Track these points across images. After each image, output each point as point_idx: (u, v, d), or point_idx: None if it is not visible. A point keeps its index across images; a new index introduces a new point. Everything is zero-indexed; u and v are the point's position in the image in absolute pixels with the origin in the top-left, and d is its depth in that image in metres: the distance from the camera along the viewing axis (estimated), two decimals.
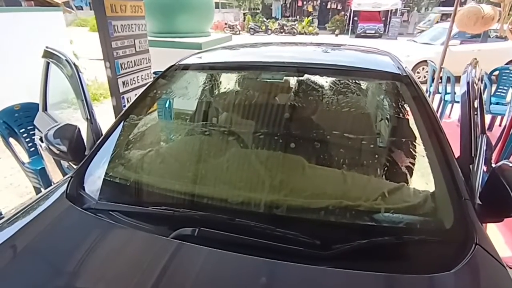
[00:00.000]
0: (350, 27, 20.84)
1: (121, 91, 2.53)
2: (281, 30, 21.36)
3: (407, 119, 1.24)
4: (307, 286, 0.77)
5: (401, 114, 1.26)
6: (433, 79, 4.87)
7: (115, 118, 1.91)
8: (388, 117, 1.43)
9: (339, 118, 1.38)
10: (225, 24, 21.76)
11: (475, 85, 1.24)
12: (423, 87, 1.34)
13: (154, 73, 2.95)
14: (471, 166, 1.01)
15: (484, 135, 1.24)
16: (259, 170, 1.13)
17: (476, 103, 1.17)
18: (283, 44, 2.22)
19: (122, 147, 1.30)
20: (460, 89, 1.26)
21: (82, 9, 23.33)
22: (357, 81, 1.45)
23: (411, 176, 1.09)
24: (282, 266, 0.79)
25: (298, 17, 24.22)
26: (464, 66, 1.41)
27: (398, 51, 6.59)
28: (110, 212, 0.99)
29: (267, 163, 1.16)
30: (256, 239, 0.84)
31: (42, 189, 2.59)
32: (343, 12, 23.19)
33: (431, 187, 1.00)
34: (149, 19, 3.55)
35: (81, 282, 0.81)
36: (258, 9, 25.62)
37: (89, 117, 1.44)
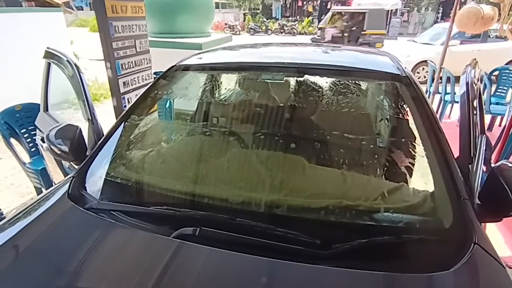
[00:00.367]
0: None
1: (121, 91, 2.54)
2: (281, 30, 21.35)
3: (407, 120, 1.25)
4: (307, 285, 0.78)
5: (400, 115, 1.27)
6: (433, 79, 4.88)
7: (116, 118, 1.92)
8: (388, 117, 1.44)
9: (339, 119, 1.38)
10: (225, 24, 21.76)
11: (474, 85, 1.24)
12: (423, 87, 1.35)
13: (155, 73, 2.95)
14: (470, 166, 1.02)
15: (484, 135, 1.25)
16: (260, 170, 1.14)
17: (476, 103, 1.18)
18: (283, 44, 2.23)
19: (124, 147, 1.30)
20: (460, 89, 1.27)
21: (82, 10, 23.34)
22: (356, 82, 1.45)
23: (410, 176, 1.10)
24: (282, 266, 0.80)
25: (298, 17, 24.25)
26: (464, 66, 1.42)
27: (398, 51, 6.61)
28: (112, 212, 1.00)
29: (268, 163, 1.16)
30: (256, 239, 0.85)
31: (43, 189, 2.60)
32: None
33: (430, 187, 1.01)
34: (149, 19, 3.56)
35: (84, 281, 0.82)
36: (258, 9, 25.65)
37: (90, 118, 1.45)
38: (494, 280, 0.80)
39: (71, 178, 1.15)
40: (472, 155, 1.03)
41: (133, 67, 2.64)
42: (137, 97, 1.52)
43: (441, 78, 4.73)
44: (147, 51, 2.82)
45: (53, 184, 2.20)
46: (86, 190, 1.12)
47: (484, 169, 1.14)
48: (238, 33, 20.76)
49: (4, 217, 2.18)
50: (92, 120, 1.44)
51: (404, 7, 21.33)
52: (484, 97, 4.27)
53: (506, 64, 6.90)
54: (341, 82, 1.44)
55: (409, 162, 1.11)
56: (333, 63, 1.53)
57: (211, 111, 1.78)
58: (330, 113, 1.42)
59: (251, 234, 0.86)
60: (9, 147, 2.62)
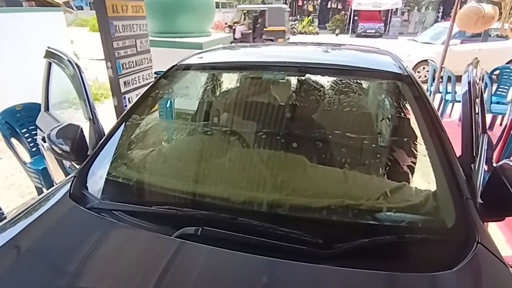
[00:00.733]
0: (350, 27, 20.80)
1: (122, 91, 2.54)
2: None
3: (409, 119, 1.25)
4: (309, 284, 0.77)
5: (402, 114, 1.27)
6: (433, 79, 4.87)
7: (117, 118, 1.91)
8: (390, 116, 1.43)
9: (340, 118, 1.38)
10: (225, 24, 21.73)
11: (476, 84, 1.24)
12: (424, 87, 1.34)
13: (155, 73, 2.95)
14: (472, 165, 1.02)
15: (485, 134, 1.24)
16: (261, 170, 1.13)
17: (477, 103, 1.18)
18: (284, 43, 2.22)
19: (125, 147, 1.30)
20: (462, 88, 1.26)
21: (82, 9, 23.33)
22: (358, 81, 1.45)
23: (412, 175, 1.09)
24: (284, 265, 0.80)
25: (298, 16, 24.20)
26: (465, 65, 1.41)
27: (398, 51, 6.60)
28: (114, 211, 1.00)
29: (269, 162, 1.16)
30: (259, 238, 0.84)
31: (44, 189, 2.60)
32: (343, 12, 23.15)
33: (432, 186, 1.01)
34: (150, 19, 3.56)
35: (86, 281, 0.82)
36: None
37: (91, 117, 1.45)
38: (498, 280, 0.79)
39: (73, 177, 1.15)
40: (474, 154, 1.03)
41: (133, 67, 2.64)
42: (138, 96, 1.52)
43: (441, 77, 4.72)
44: (148, 51, 2.82)
45: (54, 184, 2.20)
46: (87, 189, 1.12)
47: (486, 169, 1.14)
48: None
49: (5, 217, 2.18)
50: (93, 119, 1.43)
51: (405, 6, 21.30)
52: (485, 96, 4.26)
53: (507, 63, 6.89)
54: (343, 81, 1.44)
55: (411, 162, 1.11)
56: (334, 62, 1.53)
57: (212, 111, 1.78)
58: (332, 112, 1.42)
59: (253, 233, 0.86)
60: (10, 147, 2.62)
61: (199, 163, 1.24)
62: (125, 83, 2.56)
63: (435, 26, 9.54)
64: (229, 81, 1.81)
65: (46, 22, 5.14)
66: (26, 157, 2.73)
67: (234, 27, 12.70)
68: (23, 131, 2.69)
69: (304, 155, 1.18)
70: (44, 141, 1.78)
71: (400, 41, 13.80)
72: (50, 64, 2.35)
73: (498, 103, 4.41)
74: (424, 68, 7.50)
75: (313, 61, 1.55)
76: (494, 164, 1.02)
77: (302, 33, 21.10)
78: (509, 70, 4.67)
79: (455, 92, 4.51)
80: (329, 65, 1.47)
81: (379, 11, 19.76)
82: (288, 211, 0.97)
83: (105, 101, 5.73)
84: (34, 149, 2.72)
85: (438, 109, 4.80)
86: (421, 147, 1.10)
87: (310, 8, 24.58)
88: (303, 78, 1.50)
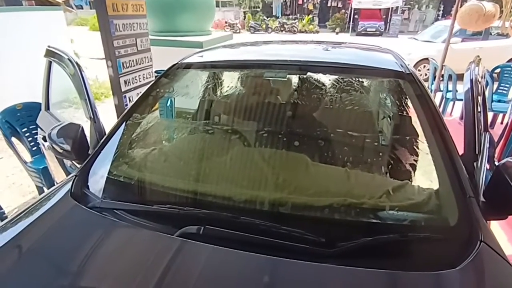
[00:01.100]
0: (350, 25, 20.78)
1: (123, 90, 2.54)
2: (282, 29, 21.32)
3: (411, 117, 1.24)
4: (312, 283, 0.77)
5: (404, 112, 1.26)
6: (434, 77, 4.87)
7: (117, 117, 1.91)
8: (392, 115, 1.43)
9: (342, 116, 1.38)
10: (226, 22, 21.73)
11: (478, 82, 1.23)
12: (426, 85, 1.34)
13: (156, 72, 2.95)
14: (475, 163, 1.01)
15: (487, 132, 1.24)
16: (263, 168, 1.13)
17: (479, 101, 1.17)
18: (285, 42, 2.22)
19: (126, 146, 1.30)
20: (464, 86, 1.26)
21: (82, 8, 23.29)
22: (360, 79, 1.44)
23: (415, 173, 1.09)
24: (287, 264, 0.79)
25: (298, 15, 24.16)
26: (466, 63, 1.41)
27: (399, 49, 6.58)
28: (115, 210, 1.00)
29: (271, 161, 1.16)
30: (261, 237, 0.84)
31: (45, 189, 2.60)
32: (343, 10, 23.11)
33: (435, 185, 1.00)
34: (150, 18, 3.55)
35: (88, 280, 0.82)
36: (259, 7, 25.55)
37: (92, 116, 1.44)
38: (501, 278, 0.79)
39: (74, 177, 1.15)
40: (476, 152, 1.02)
41: (134, 66, 2.64)
42: (139, 95, 1.51)
43: (442, 76, 4.72)
44: (148, 50, 2.81)
45: (55, 183, 2.20)
46: (88, 188, 1.12)
47: (488, 167, 1.13)
48: (238, 31, 20.74)
49: (6, 217, 2.18)
50: (94, 118, 1.43)
51: (405, 4, 21.26)
52: (486, 94, 4.26)
53: (508, 61, 6.88)
54: (344, 80, 1.43)
55: (414, 160, 1.10)
56: (335, 60, 1.52)
57: (213, 109, 1.78)
58: (333, 110, 1.42)
59: (255, 232, 0.85)
60: (10, 146, 2.62)
61: (200, 162, 1.24)
62: (125, 82, 2.55)
63: (435, 24, 9.51)
64: (230, 79, 1.80)
65: (46, 21, 5.13)
66: (27, 157, 2.73)
67: None
68: (23, 130, 2.69)
69: (306, 154, 1.17)
70: (45, 140, 1.78)
71: (401, 39, 13.78)
72: (50, 63, 2.35)
73: (499, 101, 4.40)
74: (424, 66, 7.49)
75: (315, 59, 1.54)
76: (496, 163, 1.02)
77: (302, 32, 21.07)
78: (510, 69, 4.65)
79: (456, 91, 4.50)
80: (330, 63, 1.47)
81: (380, 9, 19.75)
82: (290, 209, 0.97)
83: (106, 100, 5.73)
84: (35, 148, 2.72)
85: (439, 108, 4.79)
86: (423, 145, 1.10)
87: (310, 7, 24.54)
88: (304, 76, 1.50)
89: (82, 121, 1.47)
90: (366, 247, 0.83)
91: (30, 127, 2.70)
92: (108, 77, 2.51)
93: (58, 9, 5.62)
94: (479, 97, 1.17)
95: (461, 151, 1.07)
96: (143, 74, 2.78)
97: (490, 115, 4.35)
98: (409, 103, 1.24)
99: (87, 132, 1.37)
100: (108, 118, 2.48)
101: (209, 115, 1.80)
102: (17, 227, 0.97)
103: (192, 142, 1.40)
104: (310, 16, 22.96)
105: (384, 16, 20.53)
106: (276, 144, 1.25)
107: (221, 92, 1.82)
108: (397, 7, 20.13)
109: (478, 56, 1.53)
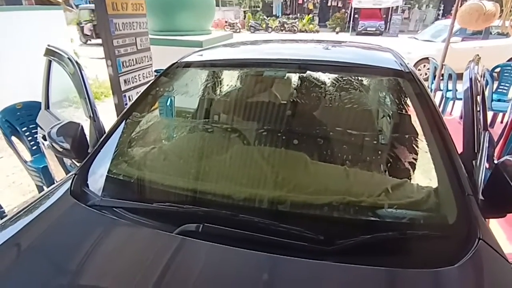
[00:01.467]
0: (350, 25, 20.77)
1: (122, 89, 2.54)
2: (282, 28, 21.32)
3: (410, 116, 1.24)
4: (310, 281, 0.77)
5: (404, 110, 1.26)
6: (434, 76, 4.86)
7: (117, 116, 1.91)
8: (391, 113, 1.43)
9: (341, 115, 1.38)
10: (226, 22, 21.72)
11: (477, 81, 1.23)
12: (425, 84, 1.34)
13: (156, 71, 2.95)
14: (474, 162, 1.02)
15: (487, 131, 1.24)
16: (262, 167, 1.13)
17: (479, 99, 1.17)
18: (285, 41, 2.22)
19: (125, 144, 1.30)
20: (463, 85, 1.26)
21: None
22: (359, 78, 1.44)
23: (414, 172, 1.09)
24: (286, 261, 0.80)
25: (298, 14, 24.15)
26: (466, 63, 1.41)
27: (399, 49, 6.58)
28: (114, 208, 1.00)
29: (270, 159, 1.16)
30: (260, 235, 0.84)
31: (45, 187, 2.60)
32: (343, 10, 23.10)
33: (434, 183, 1.01)
34: (150, 17, 3.55)
35: (87, 277, 0.82)
36: (259, 7, 25.54)
37: (92, 115, 1.45)
38: (499, 276, 0.79)
39: (73, 175, 1.15)
40: (475, 150, 1.03)
41: (134, 65, 2.64)
42: (139, 94, 1.52)
43: (442, 75, 4.72)
44: (148, 49, 2.81)
45: (55, 182, 2.20)
46: (88, 187, 1.12)
47: (487, 166, 1.14)
48: (238, 31, 20.74)
49: (6, 215, 2.18)
50: (94, 117, 1.43)
51: (405, 4, 21.25)
52: (486, 94, 4.26)
53: (508, 60, 6.87)
54: (344, 78, 1.43)
55: (413, 158, 1.10)
56: (335, 59, 1.52)
57: (213, 108, 1.78)
58: (333, 109, 1.42)
59: (254, 230, 0.86)
60: (11, 146, 2.63)
61: (199, 160, 1.24)
62: (125, 81, 2.56)
63: (435, 23, 9.51)
64: (229, 78, 1.80)
65: (46, 21, 5.13)
66: (27, 156, 2.73)
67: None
68: (23, 129, 2.69)
69: (305, 152, 1.18)
70: (45, 139, 1.78)
71: (401, 39, 13.78)
72: (50, 62, 2.35)
73: (499, 100, 4.40)
74: (424, 66, 7.48)
75: (314, 58, 1.54)
76: (496, 161, 1.02)
77: (302, 31, 21.06)
78: (510, 68, 4.65)
79: (456, 90, 4.49)
80: (330, 62, 1.47)
81: (380, 9, 19.74)
82: (289, 207, 0.97)
83: (106, 99, 5.73)
84: (35, 147, 2.72)
85: (439, 107, 4.80)
86: (422, 144, 1.10)
87: (310, 6, 24.52)
88: (304, 75, 1.50)
89: (82, 120, 1.47)
90: (365, 244, 0.83)
91: (30, 126, 2.70)
92: (108, 76, 2.51)
93: (58, 8, 5.62)
94: (478, 96, 1.17)
95: (460, 150, 1.07)
96: (143, 73, 2.78)
97: (490, 114, 4.35)
98: (408, 101, 1.24)
99: (87, 131, 1.37)
100: (109, 117, 2.48)
101: (208, 114, 1.80)
102: (16, 225, 0.97)
103: (191, 140, 1.40)
104: (310, 15, 22.94)
105: (384, 16, 20.52)
106: (276, 142, 1.25)
107: (220, 90, 1.82)
108: (397, 7, 20.12)
109: (478, 55, 1.53)
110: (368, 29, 19.31)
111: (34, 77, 3.02)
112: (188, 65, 1.57)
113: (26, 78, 4.26)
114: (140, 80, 2.73)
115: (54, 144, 1.27)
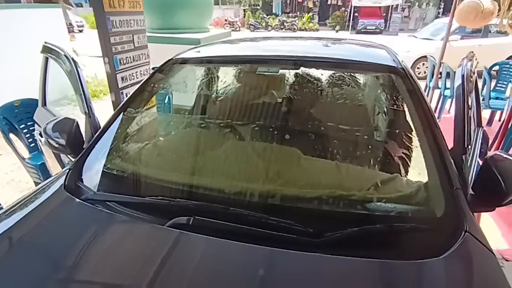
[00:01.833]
0: (350, 23, 20.74)
1: (120, 86, 2.54)
2: (281, 27, 21.29)
3: (401, 111, 1.25)
4: (300, 272, 0.79)
5: (395, 106, 1.27)
6: (433, 74, 4.87)
7: None
8: (383, 109, 1.44)
9: (334, 110, 1.39)
10: (225, 20, 21.68)
11: (470, 78, 1.24)
12: (423, 83, 1.34)
13: (153, 68, 2.95)
14: (464, 157, 1.02)
15: (481, 128, 1.25)
16: (255, 162, 1.14)
17: (472, 96, 1.18)
18: (281, 38, 2.23)
19: (120, 140, 1.31)
20: (455, 82, 1.27)
21: (81, 6, 23.22)
22: (352, 74, 1.45)
23: (404, 166, 1.10)
24: (276, 253, 0.81)
25: (298, 13, 24.12)
26: None
27: (398, 47, 6.59)
28: (108, 202, 1.01)
29: (263, 154, 1.17)
30: (250, 227, 0.85)
31: None
32: (343, 8, 23.06)
33: (423, 177, 1.02)
34: (147, 14, 3.55)
35: (80, 270, 0.83)
36: (258, 5, 25.50)
37: (87, 111, 1.45)
38: (484, 267, 0.81)
39: (68, 170, 1.16)
40: (466, 146, 1.04)
41: (131, 62, 2.64)
42: (134, 90, 1.52)
43: (441, 73, 4.72)
44: (145, 46, 2.81)
45: None
46: (82, 181, 1.13)
47: (481, 162, 1.15)
48: (238, 29, 20.71)
49: None
50: (89, 113, 1.44)
51: (405, 2, 21.20)
52: (484, 91, 4.27)
53: (507, 59, 6.87)
54: (337, 74, 1.44)
55: (403, 153, 1.12)
56: (329, 56, 1.53)
57: (208, 104, 1.79)
58: (326, 105, 1.43)
59: (244, 223, 0.87)
60: (9, 143, 2.63)
61: (193, 155, 1.25)
62: (122, 78, 2.56)
63: (435, 22, 9.49)
64: (225, 75, 1.81)
65: (45, 19, 5.12)
66: (25, 153, 2.74)
67: None
68: (21, 127, 2.70)
69: (298, 147, 1.19)
70: (41, 136, 1.79)
71: (400, 37, 13.76)
72: (47, 59, 2.36)
73: (497, 98, 4.41)
74: (423, 64, 7.48)
75: (309, 54, 1.55)
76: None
77: (302, 30, 21.03)
78: (508, 66, 4.65)
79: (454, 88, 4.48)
80: (324, 58, 1.48)
81: (380, 7, 19.71)
82: (280, 201, 0.99)
83: (104, 98, 5.73)
84: (33, 144, 2.73)
85: (437, 105, 4.80)
86: (413, 139, 1.11)
87: (310, 5, 24.49)
88: (298, 71, 1.51)
89: (80, 118, 1.48)
90: (353, 236, 0.84)
91: (28, 123, 2.71)
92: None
93: (57, 6, 5.62)
94: (471, 92, 1.18)
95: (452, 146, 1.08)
96: (140, 70, 2.78)
97: (488, 112, 4.35)
98: (400, 97, 1.25)
99: (83, 128, 1.38)
100: (107, 115, 2.48)
101: (203, 110, 1.81)
102: (10, 219, 0.98)
103: (185, 135, 1.41)
104: (310, 14, 22.91)
105: (384, 14, 20.49)
106: (269, 138, 1.27)
107: (216, 87, 1.83)
108: (397, 5, 20.09)
109: (472, 52, 1.53)
110: (368, 27, 19.28)
111: (32, 75, 3.03)
112: (184, 61, 1.58)
113: (24, 75, 4.26)
114: (137, 78, 2.74)
115: (50, 140, 1.28)
